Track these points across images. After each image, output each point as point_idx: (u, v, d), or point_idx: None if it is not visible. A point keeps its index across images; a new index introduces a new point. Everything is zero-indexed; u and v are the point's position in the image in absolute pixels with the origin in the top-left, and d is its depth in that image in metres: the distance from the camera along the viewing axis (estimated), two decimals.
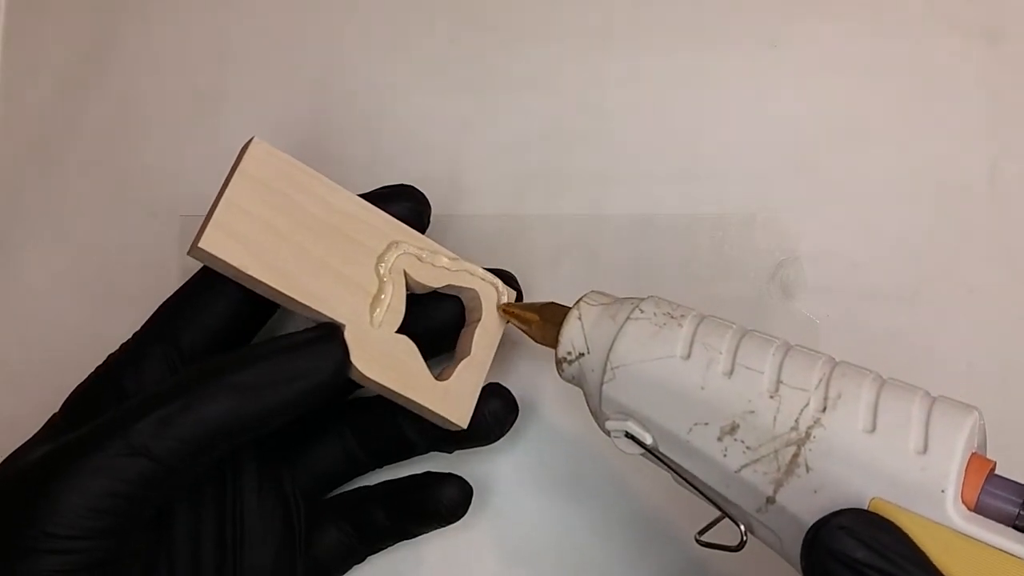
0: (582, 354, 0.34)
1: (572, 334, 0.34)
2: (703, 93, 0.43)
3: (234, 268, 0.33)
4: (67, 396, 0.35)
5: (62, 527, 0.29)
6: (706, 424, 0.31)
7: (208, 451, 0.32)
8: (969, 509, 0.28)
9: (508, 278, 0.38)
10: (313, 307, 0.34)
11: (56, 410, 0.35)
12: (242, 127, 0.43)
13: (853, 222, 0.42)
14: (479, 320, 0.37)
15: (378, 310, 0.35)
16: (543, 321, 0.36)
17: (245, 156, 0.34)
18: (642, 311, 0.33)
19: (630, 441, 0.33)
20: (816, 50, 0.44)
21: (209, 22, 0.45)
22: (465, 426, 0.36)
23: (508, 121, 0.43)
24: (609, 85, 0.43)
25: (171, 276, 0.41)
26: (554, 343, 0.35)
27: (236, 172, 0.34)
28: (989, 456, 0.30)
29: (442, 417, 0.36)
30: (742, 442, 0.31)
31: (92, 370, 0.35)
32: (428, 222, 0.38)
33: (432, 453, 0.39)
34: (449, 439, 0.37)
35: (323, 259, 0.35)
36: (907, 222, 0.42)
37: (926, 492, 0.28)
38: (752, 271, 0.42)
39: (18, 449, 0.34)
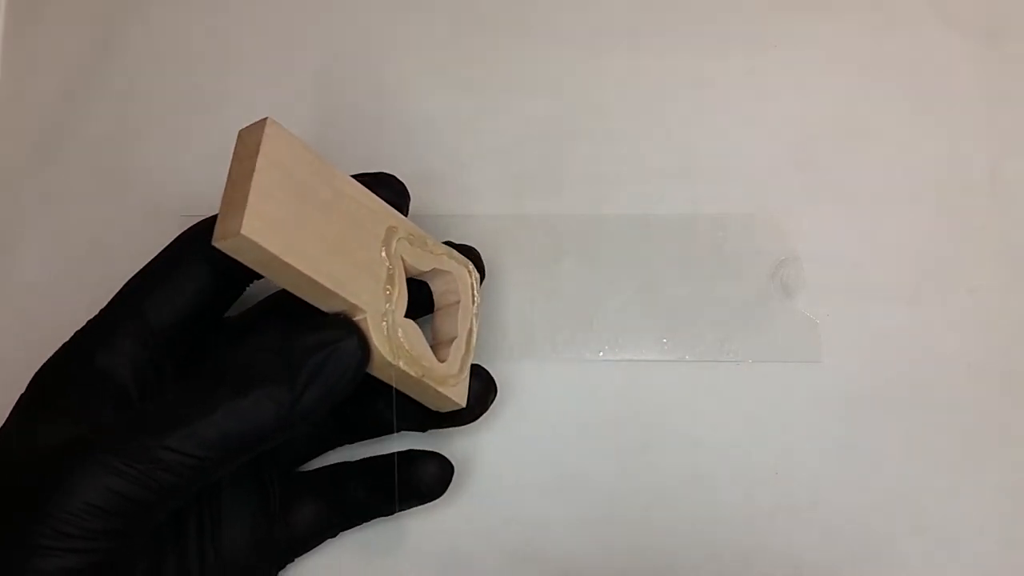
0: None
1: None
2: (703, 93, 0.43)
3: (270, 256, 0.31)
4: (34, 373, 0.34)
5: (74, 527, 0.29)
6: None
7: (229, 463, 0.32)
8: None
9: (474, 256, 0.39)
10: (340, 294, 0.33)
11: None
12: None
13: (853, 222, 0.42)
14: (459, 301, 0.37)
15: (391, 295, 0.35)
16: None
17: (263, 138, 0.32)
18: None
19: None
20: (816, 50, 0.44)
21: (209, 22, 0.45)
22: (464, 405, 0.36)
23: (508, 121, 0.43)
24: (609, 85, 0.44)
25: None
26: None
27: (259, 155, 0.32)
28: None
29: (447, 398, 0.35)
30: None
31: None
32: (407, 212, 0.37)
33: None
34: (426, 418, 0.37)
35: (338, 244, 0.33)
36: (907, 222, 0.42)
37: None
38: (752, 271, 0.42)
39: (5, 427, 0.33)
